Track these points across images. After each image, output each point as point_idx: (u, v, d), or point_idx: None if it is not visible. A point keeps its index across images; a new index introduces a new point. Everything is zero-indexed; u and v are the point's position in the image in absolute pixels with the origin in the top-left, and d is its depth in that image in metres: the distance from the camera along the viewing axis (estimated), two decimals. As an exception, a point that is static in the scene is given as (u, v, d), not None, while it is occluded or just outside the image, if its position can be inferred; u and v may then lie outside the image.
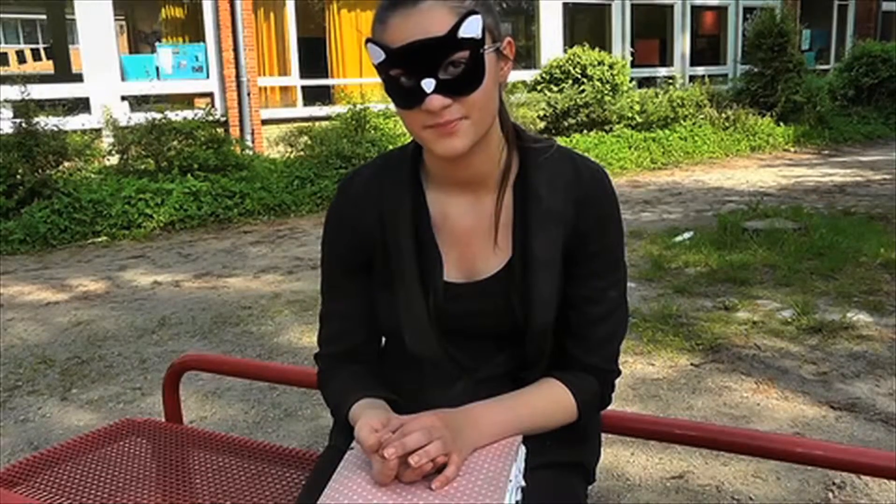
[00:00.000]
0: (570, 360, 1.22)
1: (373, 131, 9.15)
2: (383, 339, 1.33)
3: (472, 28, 1.05)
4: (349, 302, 1.27)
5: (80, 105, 8.52)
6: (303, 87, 10.44)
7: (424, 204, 1.22)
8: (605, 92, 11.12)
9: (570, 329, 1.21)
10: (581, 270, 1.19)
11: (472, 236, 1.21)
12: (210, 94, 9.56)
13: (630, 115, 11.20)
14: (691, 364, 3.63)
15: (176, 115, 8.04)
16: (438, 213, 1.22)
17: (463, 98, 1.07)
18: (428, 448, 1.04)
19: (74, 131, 7.87)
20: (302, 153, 8.95)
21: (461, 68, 1.06)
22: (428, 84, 1.05)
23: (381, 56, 1.07)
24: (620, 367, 1.27)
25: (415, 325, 1.20)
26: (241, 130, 9.43)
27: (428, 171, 1.23)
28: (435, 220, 1.22)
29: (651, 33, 14.15)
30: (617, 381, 1.27)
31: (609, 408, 1.32)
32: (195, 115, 8.27)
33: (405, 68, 1.07)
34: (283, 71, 10.31)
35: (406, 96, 1.08)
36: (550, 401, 1.20)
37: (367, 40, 1.09)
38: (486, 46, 1.08)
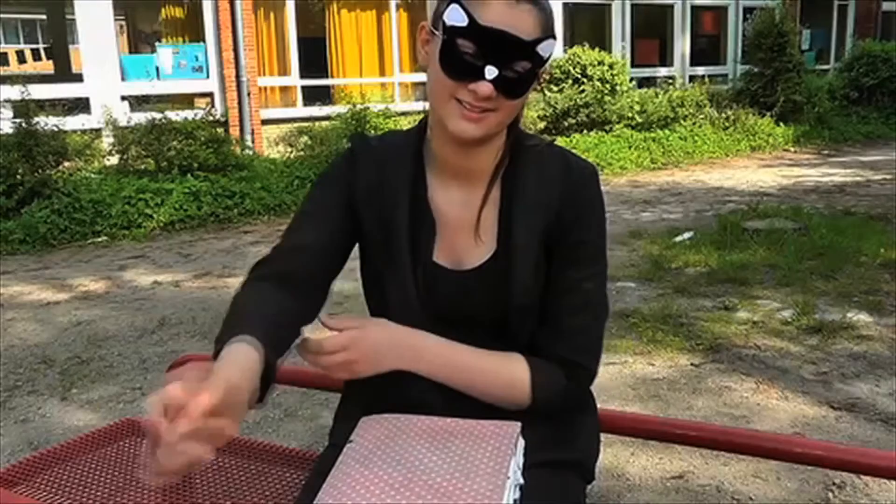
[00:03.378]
0: (539, 348, 1.20)
1: (373, 131, 9.15)
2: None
3: (547, 49, 1.12)
4: (318, 228, 1.22)
5: (80, 105, 8.52)
6: (303, 87, 10.43)
7: (424, 183, 1.24)
8: (605, 92, 11.12)
9: (543, 318, 1.21)
10: (557, 260, 1.20)
11: (460, 228, 1.22)
12: (210, 94, 9.56)
13: (630, 115, 11.20)
14: (691, 364, 3.63)
15: (176, 115, 8.04)
16: (433, 198, 1.24)
17: (504, 100, 1.12)
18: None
19: (74, 131, 7.87)
20: (302, 153, 8.96)
21: (518, 75, 1.11)
22: (490, 72, 1.09)
23: (464, 22, 1.09)
24: (598, 368, 1.22)
25: (402, 302, 1.21)
26: (241, 130, 9.42)
27: (430, 156, 1.25)
28: (430, 201, 1.23)
29: (651, 33, 14.13)
30: (597, 385, 1.24)
31: (609, 408, 1.32)
32: (195, 115, 8.27)
33: (481, 48, 1.10)
34: (283, 71, 10.31)
35: (462, 68, 1.11)
36: (500, 367, 1.18)
37: (455, 0, 1.10)
38: (542, 68, 1.14)
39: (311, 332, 1.14)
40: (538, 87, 1.21)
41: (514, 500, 1.08)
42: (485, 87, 1.10)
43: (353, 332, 1.15)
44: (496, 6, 1.09)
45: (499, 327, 1.21)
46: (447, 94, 1.13)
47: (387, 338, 1.17)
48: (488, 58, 1.09)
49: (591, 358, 1.21)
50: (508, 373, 1.18)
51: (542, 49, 1.11)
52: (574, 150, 1.28)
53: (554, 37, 1.13)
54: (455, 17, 1.10)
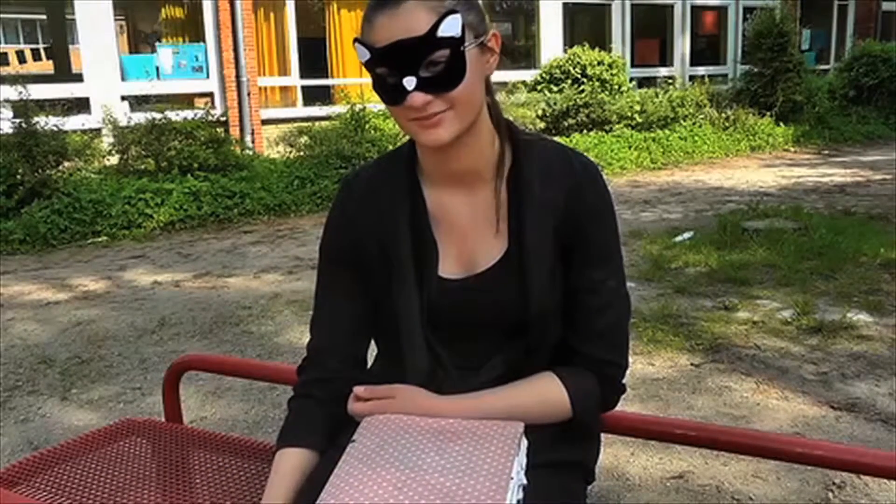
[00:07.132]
0: (570, 351, 1.23)
1: (372, 131, 9.15)
2: (367, 359, 1.34)
3: (451, 27, 1.09)
4: (339, 303, 1.29)
5: (80, 105, 8.52)
6: (303, 87, 10.44)
7: (422, 201, 1.24)
8: (605, 92, 11.12)
9: (571, 320, 1.22)
10: (577, 261, 1.21)
11: (470, 229, 1.23)
12: (210, 94, 9.56)
13: (630, 114, 11.20)
14: (691, 364, 3.63)
15: (176, 115, 8.04)
16: (436, 208, 1.24)
17: (444, 94, 1.11)
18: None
19: (74, 131, 7.86)
20: (302, 153, 8.95)
21: (441, 66, 1.10)
22: (409, 82, 1.10)
23: (367, 55, 1.12)
24: (629, 362, 1.26)
25: (409, 324, 1.21)
26: (241, 130, 9.43)
27: (423, 168, 1.25)
28: (433, 215, 1.24)
29: (651, 33, 14.14)
30: (624, 385, 1.27)
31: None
32: (195, 115, 8.27)
33: (389, 67, 1.11)
34: (283, 71, 10.31)
35: (391, 93, 1.13)
36: (539, 398, 1.20)
37: (355, 40, 1.14)
38: (466, 44, 1.11)
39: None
40: (493, 55, 1.16)
41: (518, 501, 1.08)
42: (415, 99, 1.10)
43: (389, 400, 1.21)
44: (380, 22, 1.10)
45: (518, 330, 1.21)
46: (402, 119, 1.15)
47: (415, 408, 1.20)
48: (401, 72, 1.10)
49: (623, 354, 1.25)
50: (546, 399, 1.21)
51: (444, 31, 1.08)
52: (574, 148, 1.28)
53: (454, 11, 1.08)
54: (361, 53, 1.13)
